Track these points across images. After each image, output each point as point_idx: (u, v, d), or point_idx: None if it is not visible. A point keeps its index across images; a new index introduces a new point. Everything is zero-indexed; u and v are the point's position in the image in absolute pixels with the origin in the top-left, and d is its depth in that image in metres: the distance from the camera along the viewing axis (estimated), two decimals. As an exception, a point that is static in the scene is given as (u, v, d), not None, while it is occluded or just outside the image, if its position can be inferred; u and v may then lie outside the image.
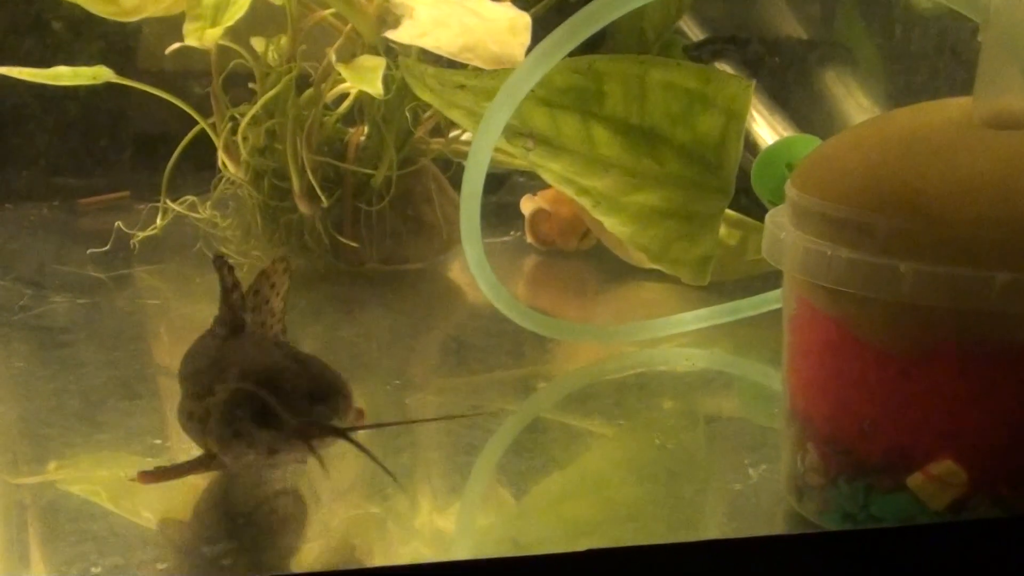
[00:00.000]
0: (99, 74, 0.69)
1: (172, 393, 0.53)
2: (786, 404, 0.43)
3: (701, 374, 0.60)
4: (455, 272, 0.77)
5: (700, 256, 0.62)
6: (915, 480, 0.38)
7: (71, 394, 0.51)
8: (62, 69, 0.68)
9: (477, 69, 0.58)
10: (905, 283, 0.37)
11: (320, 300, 0.69)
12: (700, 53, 0.84)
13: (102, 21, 0.72)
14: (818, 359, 0.41)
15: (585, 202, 0.62)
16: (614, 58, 0.58)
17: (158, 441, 0.48)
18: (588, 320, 0.69)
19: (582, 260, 0.79)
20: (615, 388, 0.59)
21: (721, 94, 0.60)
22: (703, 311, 0.61)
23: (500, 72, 0.57)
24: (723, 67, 0.85)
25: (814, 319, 0.40)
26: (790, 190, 0.41)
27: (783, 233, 0.40)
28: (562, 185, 0.62)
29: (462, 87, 0.58)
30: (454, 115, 0.60)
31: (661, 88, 0.59)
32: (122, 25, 0.81)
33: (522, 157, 0.60)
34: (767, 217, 0.43)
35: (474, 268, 0.54)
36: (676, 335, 0.61)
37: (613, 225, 0.62)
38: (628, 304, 0.73)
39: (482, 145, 0.50)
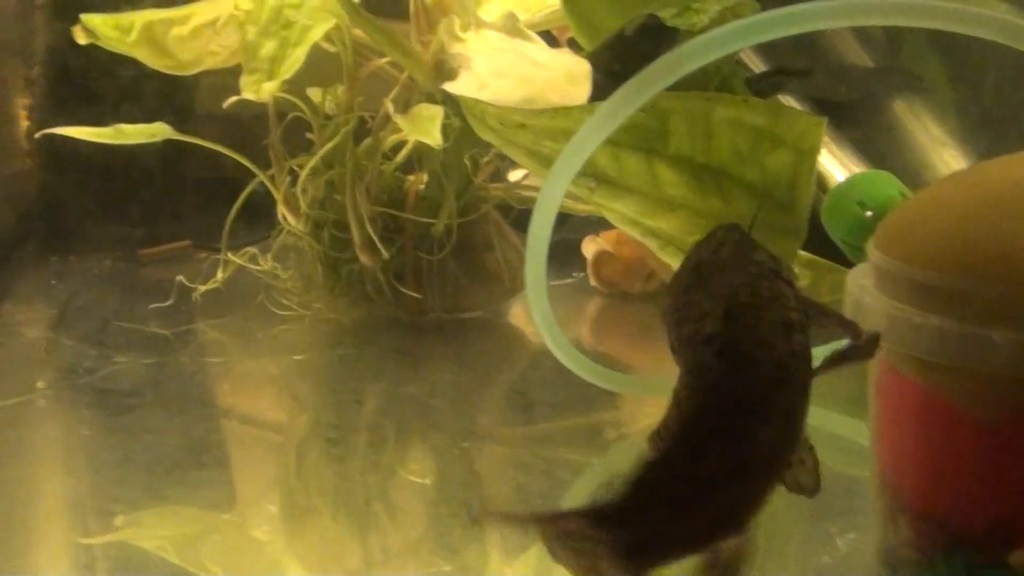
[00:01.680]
0: (158, 131, 0.69)
1: (239, 462, 0.54)
2: (875, 473, 0.41)
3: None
4: (518, 318, 0.76)
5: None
6: (1018, 558, 0.36)
7: (138, 465, 0.51)
8: (122, 128, 0.68)
9: (538, 110, 0.57)
10: (1000, 353, 0.35)
11: (383, 353, 0.68)
12: (762, 85, 0.82)
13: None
14: (908, 428, 0.39)
15: (652, 244, 0.60)
16: (678, 95, 0.57)
17: (227, 516, 0.48)
18: (658, 370, 0.68)
19: (647, 303, 0.77)
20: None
21: (791, 131, 0.58)
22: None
23: (561, 111, 0.56)
24: (786, 99, 0.83)
25: (902, 386, 0.39)
26: (873, 252, 0.40)
27: (867, 297, 0.39)
28: (627, 226, 0.61)
29: (523, 126, 0.57)
30: (515, 154, 0.59)
31: (728, 125, 0.58)
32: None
33: (586, 198, 0.59)
34: (848, 277, 0.41)
35: (544, 331, 0.53)
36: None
37: (681, 268, 0.61)
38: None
39: (548, 203, 0.49)
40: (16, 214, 0.90)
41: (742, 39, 0.47)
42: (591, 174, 0.57)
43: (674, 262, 0.61)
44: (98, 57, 0.87)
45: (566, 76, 0.57)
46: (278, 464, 0.55)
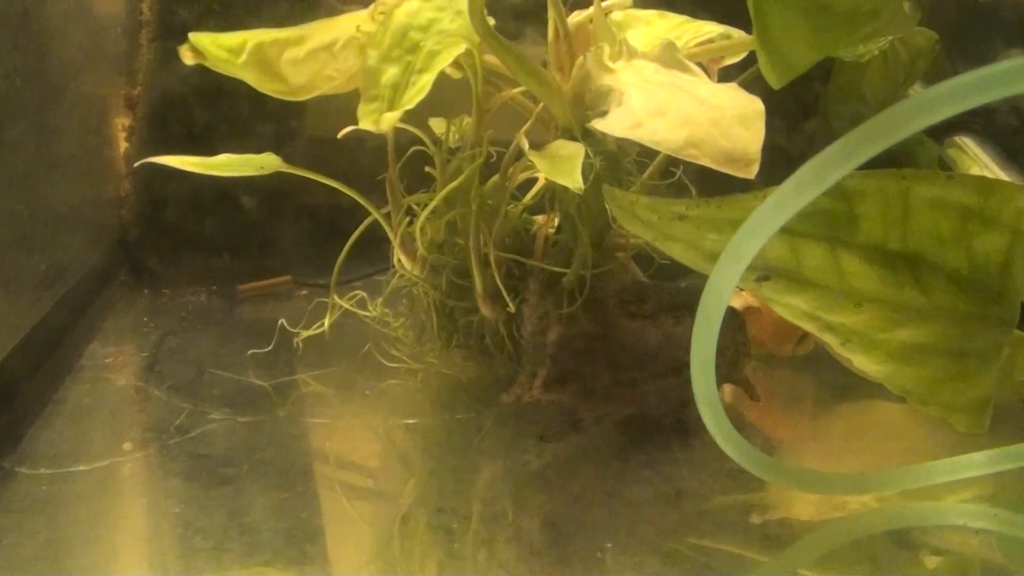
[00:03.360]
0: (266, 163, 0.63)
1: (340, 534, 0.47)
2: None
3: (981, 544, 0.50)
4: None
5: (977, 399, 0.52)
6: None
7: (232, 555, 0.45)
8: (229, 158, 0.62)
9: (699, 198, 0.49)
10: None
11: (503, 419, 0.61)
12: (937, 125, 0.73)
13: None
14: None
15: (831, 339, 0.52)
16: (868, 173, 0.48)
17: None
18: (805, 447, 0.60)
19: (798, 368, 0.69)
20: (877, 548, 0.49)
21: (1005, 209, 0.50)
22: (980, 456, 0.50)
23: (728, 201, 0.48)
24: (966, 141, 0.74)
25: None
26: None
27: None
28: (801, 320, 0.53)
29: (682, 218, 0.50)
30: (672, 249, 0.52)
31: (928, 206, 0.49)
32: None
33: (750, 289, 0.51)
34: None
35: (706, 415, 0.46)
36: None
37: (865, 364, 0.52)
38: (855, 426, 0.63)
39: (713, 303, 0.42)
40: (109, 243, 0.85)
41: (974, 95, 0.39)
42: (760, 267, 0.49)
43: (856, 358, 0.53)
44: (204, 78, 0.82)
45: (737, 117, 0.50)
46: (381, 539, 0.48)
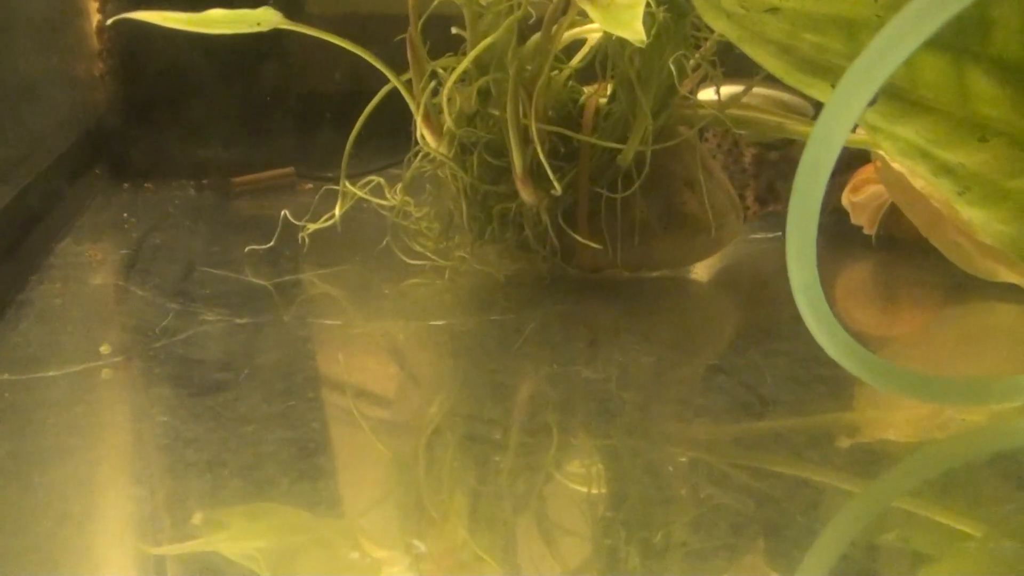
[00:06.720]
0: (263, 19, 0.59)
1: (355, 456, 0.44)
2: None
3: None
4: (724, 280, 0.66)
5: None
6: None
7: (231, 469, 0.41)
8: (220, 13, 0.58)
9: None
10: None
11: (549, 322, 0.59)
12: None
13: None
14: None
15: (946, 186, 0.48)
16: None
17: (336, 524, 0.39)
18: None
19: (911, 266, 0.67)
20: (988, 476, 0.45)
21: None
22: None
23: None
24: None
25: None
26: None
27: None
28: (912, 159, 0.48)
29: (775, 11, 0.45)
30: (761, 54, 0.47)
31: (1082, 14, 0.44)
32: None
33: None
34: None
35: (803, 305, 0.42)
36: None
37: (986, 223, 0.48)
38: (972, 330, 0.60)
39: (828, 139, 0.37)
40: (82, 130, 0.82)
41: None
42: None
43: (976, 213, 0.48)
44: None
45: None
46: (404, 461, 0.46)
